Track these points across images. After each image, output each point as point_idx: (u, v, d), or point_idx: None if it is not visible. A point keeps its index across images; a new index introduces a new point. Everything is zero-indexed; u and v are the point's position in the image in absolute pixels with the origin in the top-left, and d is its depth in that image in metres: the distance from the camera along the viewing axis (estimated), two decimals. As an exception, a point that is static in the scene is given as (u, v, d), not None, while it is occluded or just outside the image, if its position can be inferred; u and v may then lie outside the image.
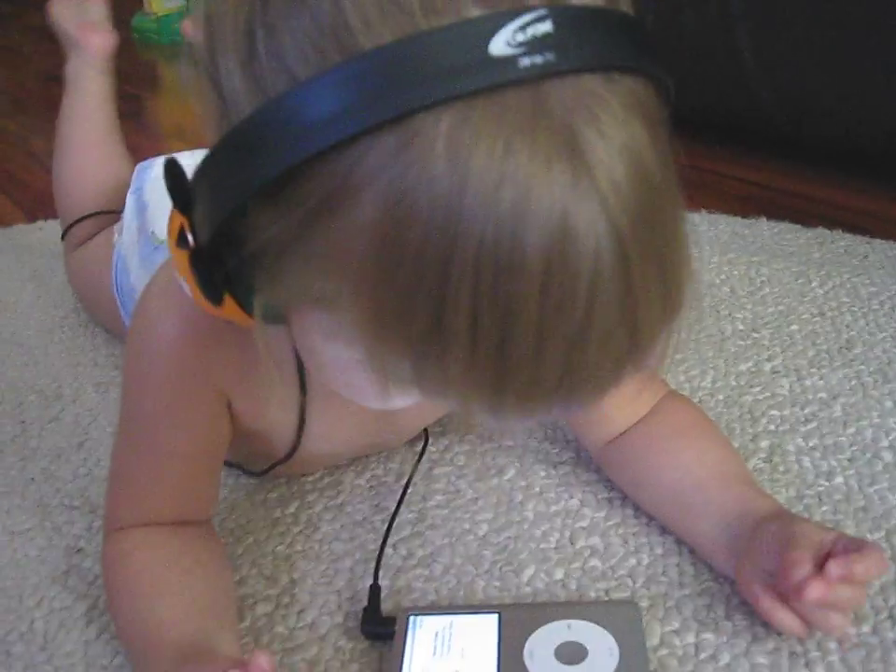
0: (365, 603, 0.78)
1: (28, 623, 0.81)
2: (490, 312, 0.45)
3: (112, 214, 1.33)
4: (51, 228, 1.64)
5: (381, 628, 0.76)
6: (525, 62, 0.44)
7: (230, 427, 0.80)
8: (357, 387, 0.61)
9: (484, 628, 0.73)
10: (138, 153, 1.40)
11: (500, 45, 0.44)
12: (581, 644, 0.71)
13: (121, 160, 1.42)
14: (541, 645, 0.71)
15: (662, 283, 0.49)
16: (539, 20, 0.45)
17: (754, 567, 0.73)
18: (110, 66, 1.43)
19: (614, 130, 0.46)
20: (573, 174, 0.44)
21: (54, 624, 0.80)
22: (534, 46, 0.44)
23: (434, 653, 0.71)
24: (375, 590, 0.79)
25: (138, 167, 1.20)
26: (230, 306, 0.57)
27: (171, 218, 0.56)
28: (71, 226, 1.35)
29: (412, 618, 0.75)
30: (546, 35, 0.45)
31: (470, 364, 0.47)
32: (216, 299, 0.56)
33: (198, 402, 0.76)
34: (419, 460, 0.94)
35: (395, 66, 0.44)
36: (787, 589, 0.68)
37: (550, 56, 0.45)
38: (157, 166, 1.17)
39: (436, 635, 0.73)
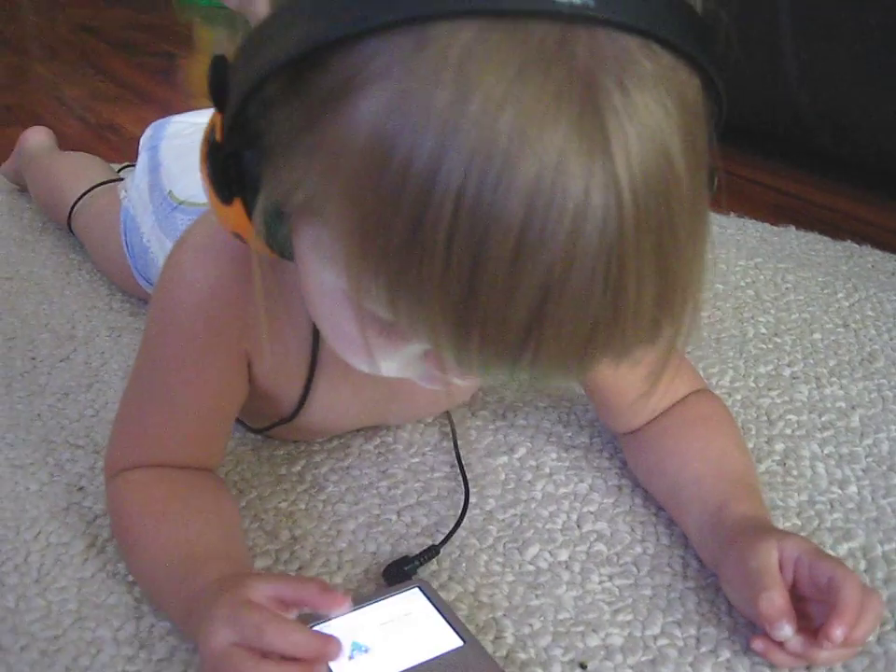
0: (364, 567, 0.78)
1: (24, 555, 0.80)
2: (467, 234, 0.44)
3: (104, 185, 1.34)
4: (77, 172, 1.63)
5: (397, 579, 0.75)
6: None
7: (247, 386, 0.79)
8: (341, 328, 0.59)
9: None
10: (168, 110, 1.39)
11: None
12: None
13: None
14: None
15: (659, 266, 0.47)
16: None
17: (733, 591, 0.72)
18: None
19: (639, 92, 0.44)
20: (581, 114, 0.43)
21: (50, 559, 0.79)
22: None
23: (388, 623, 0.70)
24: (432, 550, 0.78)
25: (154, 125, 1.18)
26: (237, 213, 0.56)
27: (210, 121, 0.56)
28: (71, 214, 1.35)
29: (416, 589, 0.73)
30: None
31: (441, 285, 0.45)
32: (225, 194, 0.56)
33: (221, 357, 0.75)
34: (455, 440, 0.92)
35: None
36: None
37: (590, 0, 0.44)
38: (173, 124, 1.16)
39: (408, 614, 0.71)
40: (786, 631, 0.65)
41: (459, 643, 0.68)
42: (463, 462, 0.89)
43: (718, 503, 0.77)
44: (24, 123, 1.72)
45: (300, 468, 0.90)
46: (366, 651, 0.68)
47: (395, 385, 0.79)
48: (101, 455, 0.92)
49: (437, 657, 0.67)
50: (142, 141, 1.18)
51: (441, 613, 0.71)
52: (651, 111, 0.45)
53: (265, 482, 0.88)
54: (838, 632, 0.64)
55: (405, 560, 0.78)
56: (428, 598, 0.72)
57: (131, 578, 0.77)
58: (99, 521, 0.83)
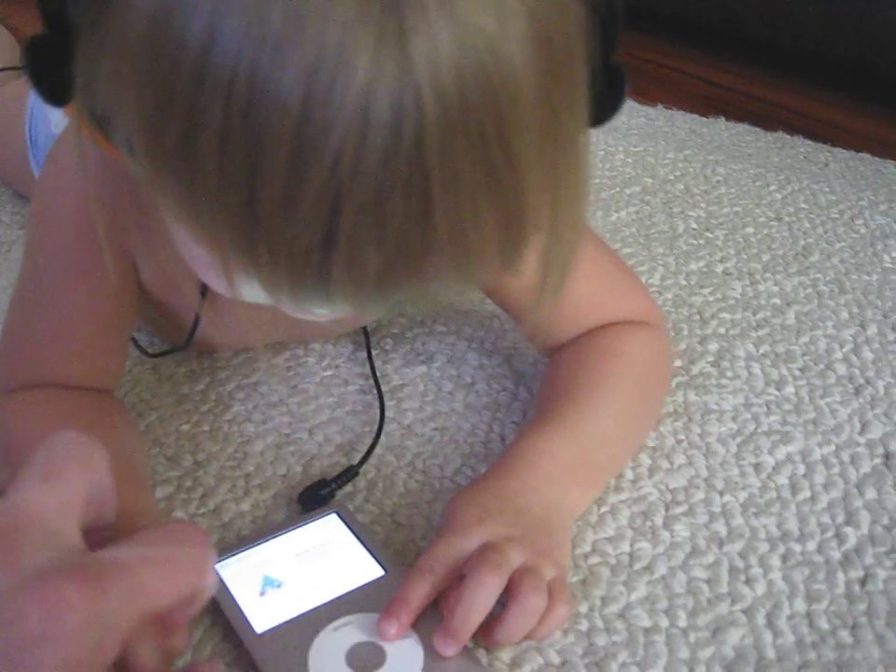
0: (274, 491, 0.72)
1: None
2: (241, 134, 0.39)
3: (9, 70, 1.25)
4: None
5: (313, 505, 0.70)
6: None
7: (137, 293, 0.73)
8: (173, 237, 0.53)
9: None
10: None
11: None
12: (375, 643, 0.58)
13: None
14: (329, 651, 0.58)
15: (491, 187, 0.41)
16: None
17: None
18: None
19: None
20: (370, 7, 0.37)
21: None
22: None
23: (303, 554, 0.65)
24: (350, 472, 0.73)
25: None
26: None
27: None
28: None
29: (333, 514, 0.68)
30: None
31: (219, 196, 0.40)
32: (50, 97, 0.48)
33: (105, 258, 0.68)
34: (369, 352, 0.86)
35: None
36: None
37: None
38: None
39: (325, 543, 0.66)
40: (388, 633, 0.57)
41: (381, 573, 0.63)
42: (379, 374, 0.83)
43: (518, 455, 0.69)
44: None
45: (203, 386, 0.83)
46: (279, 585, 0.62)
47: None
48: (-13, 379, 0.85)
49: (357, 588, 0.62)
50: None
51: (360, 541, 0.65)
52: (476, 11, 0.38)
53: (166, 403, 0.81)
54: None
55: (322, 483, 0.72)
56: (347, 525, 0.67)
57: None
58: (-15, 451, 0.76)
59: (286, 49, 0.37)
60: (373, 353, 0.85)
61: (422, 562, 0.59)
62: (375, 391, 0.81)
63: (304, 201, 0.39)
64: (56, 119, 1.00)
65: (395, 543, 0.68)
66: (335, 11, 0.37)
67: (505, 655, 0.59)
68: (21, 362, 0.73)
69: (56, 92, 0.48)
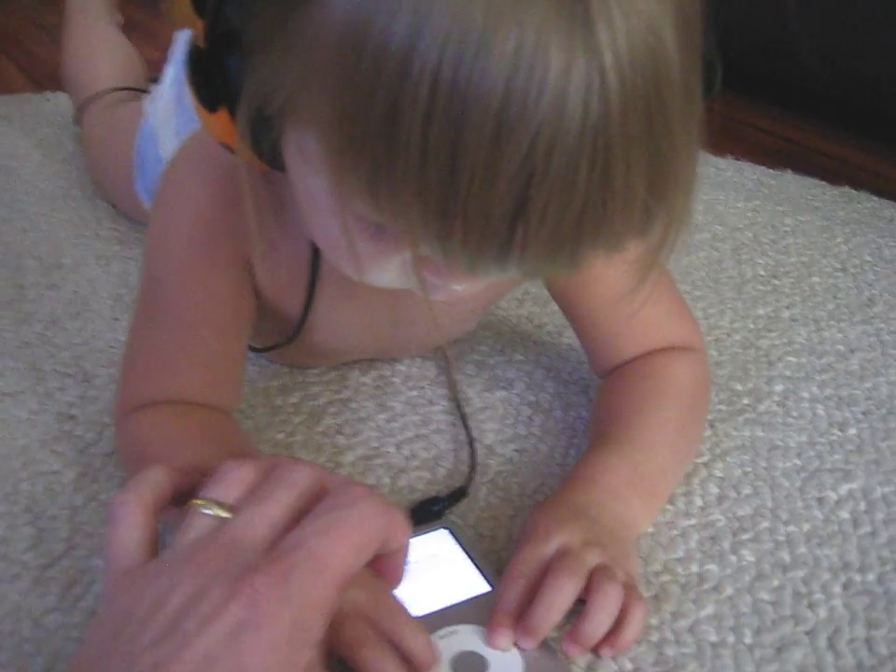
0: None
1: (13, 484, 0.78)
2: (444, 117, 0.43)
3: (129, 91, 1.31)
4: (60, 99, 1.61)
5: (423, 520, 0.73)
6: None
7: (254, 298, 0.76)
8: (331, 236, 0.57)
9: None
10: (152, 38, 1.36)
11: None
12: (478, 654, 0.61)
13: (123, 37, 1.46)
14: None
15: (650, 150, 0.46)
16: None
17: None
18: None
19: None
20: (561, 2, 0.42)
21: (40, 487, 0.78)
22: None
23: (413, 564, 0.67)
24: (460, 492, 0.77)
25: (180, 35, 1.15)
26: (224, 121, 0.55)
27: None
28: (87, 101, 1.31)
29: (444, 530, 0.71)
30: None
31: (420, 174, 0.44)
32: (209, 102, 0.55)
33: (225, 268, 0.73)
34: (449, 365, 0.91)
35: None
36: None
37: None
38: None
39: (434, 556, 0.69)
40: (501, 643, 0.61)
41: (487, 588, 0.66)
42: (461, 397, 0.88)
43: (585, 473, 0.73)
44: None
45: (296, 399, 0.88)
46: None
47: (396, 309, 0.77)
48: (91, 384, 0.90)
49: (463, 601, 0.65)
50: (169, 54, 1.14)
51: (469, 557, 0.69)
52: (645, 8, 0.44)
53: (260, 413, 0.87)
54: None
55: (434, 500, 0.76)
56: (457, 540, 0.70)
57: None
58: (91, 449, 0.82)
59: (489, 41, 0.42)
60: (456, 377, 0.90)
61: (512, 569, 0.63)
62: (456, 412, 0.85)
63: (503, 175, 0.44)
64: (163, 142, 1.06)
65: (477, 552, 0.72)
66: (532, 4, 0.42)
67: (582, 661, 0.63)
68: (147, 378, 0.75)
69: (213, 100, 0.54)
